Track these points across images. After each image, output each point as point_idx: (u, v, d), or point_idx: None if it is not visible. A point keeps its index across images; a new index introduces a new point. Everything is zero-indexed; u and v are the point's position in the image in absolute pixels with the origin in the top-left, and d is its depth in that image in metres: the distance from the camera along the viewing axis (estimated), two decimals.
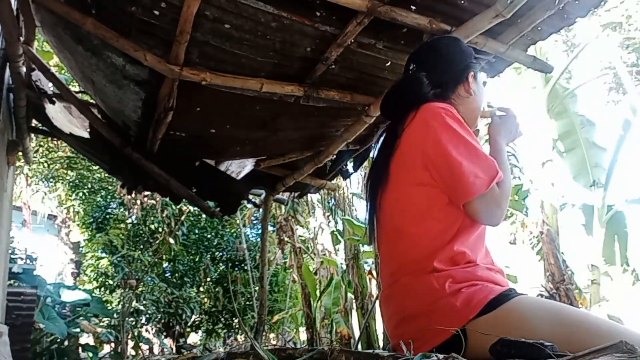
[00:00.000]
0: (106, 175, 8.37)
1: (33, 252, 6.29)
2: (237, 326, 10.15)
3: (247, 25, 1.91)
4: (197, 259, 10.17)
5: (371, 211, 1.37)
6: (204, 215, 9.09)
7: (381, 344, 5.58)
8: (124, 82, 2.27)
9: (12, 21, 2.07)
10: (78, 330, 5.64)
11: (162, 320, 9.16)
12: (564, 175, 8.05)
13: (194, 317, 9.89)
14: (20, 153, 3.24)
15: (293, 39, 2.03)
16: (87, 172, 9.34)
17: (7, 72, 2.54)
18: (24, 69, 2.49)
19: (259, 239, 9.48)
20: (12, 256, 5.63)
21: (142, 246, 9.35)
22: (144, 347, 8.22)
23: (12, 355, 1.96)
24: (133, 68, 2.13)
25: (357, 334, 6.54)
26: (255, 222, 9.64)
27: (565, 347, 0.89)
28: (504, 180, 1.20)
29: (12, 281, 4.99)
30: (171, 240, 8.68)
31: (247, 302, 9.61)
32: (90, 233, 9.63)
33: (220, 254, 10.53)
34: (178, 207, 8.67)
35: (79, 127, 3.00)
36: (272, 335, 10.05)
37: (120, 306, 8.65)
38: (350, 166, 3.62)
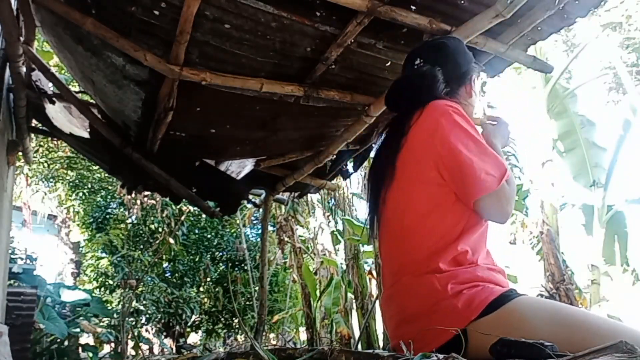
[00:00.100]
0: (106, 175, 8.37)
1: (33, 252, 6.29)
2: (237, 326, 10.15)
3: (247, 25, 1.91)
4: (197, 259, 10.17)
5: (373, 208, 1.36)
6: (204, 215, 9.10)
7: (381, 344, 5.57)
8: (124, 82, 2.27)
9: (12, 21, 2.07)
10: (78, 330, 5.64)
11: (162, 320, 9.16)
12: (564, 175, 8.06)
13: (194, 317, 9.90)
14: (20, 153, 3.24)
15: (293, 39, 2.03)
16: (87, 172, 9.34)
17: (7, 72, 2.54)
18: (24, 69, 2.49)
19: (259, 239, 9.48)
20: (12, 256, 5.63)
21: (142, 246, 9.35)
22: (144, 347, 8.21)
23: (12, 355, 1.96)
24: (133, 68, 2.13)
25: (357, 334, 6.53)
26: (255, 222, 9.64)
27: (566, 347, 0.89)
28: (510, 178, 1.21)
29: (12, 281, 4.99)
30: (171, 240, 8.68)
31: (247, 302, 9.61)
32: (90, 233, 9.63)
33: (220, 254, 10.53)
34: (178, 207, 8.67)
35: (79, 127, 3.00)
36: (272, 335, 10.05)
37: (120, 306, 8.65)
38: (350, 166, 3.62)
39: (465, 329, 1.07)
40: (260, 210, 4.42)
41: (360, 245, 6.28)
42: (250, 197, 4.05)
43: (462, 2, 1.89)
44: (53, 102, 2.82)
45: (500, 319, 1.05)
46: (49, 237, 11.19)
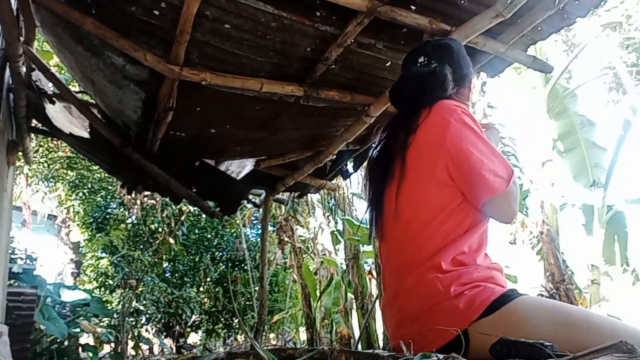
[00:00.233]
0: (106, 175, 8.37)
1: (33, 252, 6.29)
2: (237, 326, 10.15)
3: (247, 25, 1.91)
4: (197, 259, 10.17)
5: (375, 206, 1.35)
6: (204, 215, 9.10)
7: (381, 344, 5.57)
8: (124, 82, 2.27)
9: (12, 21, 2.07)
10: (78, 330, 5.64)
11: (162, 320, 9.16)
12: (564, 175, 8.05)
13: (194, 317, 9.90)
14: (20, 153, 3.23)
15: (293, 39, 2.03)
16: (87, 172, 9.34)
17: (7, 72, 2.54)
18: (24, 69, 2.49)
19: (259, 239, 9.48)
20: (12, 256, 5.63)
21: (142, 246, 9.35)
22: (144, 347, 8.21)
23: (12, 355, 1.96)
24: (133, 68, 2.13)
25: (357, 334, 6.53)
26: (255, 222, 9.65)
27: (568, 347, 0.89)
28: (516, 179, 1.21)
29: (12, 281, 4.99)
30: (171, 240, 8.68)
31: (247, 302, 9.61)
32: (90, 233, 9.63)
33: (220, 254, 10.53)
34: (178, 207, 8.67)
35: (79, 127, 3.00)
36: (272, 335, 10.05)
37: (120, 306, 8.65)
38: (350, 166, 3.62)
39: (466, 330, 1.07)
40: (260, 210, 4.42)
41: (360, 245, 6.28)
42: (250, 197, 4.05)
43: (462, 2, 1.89)
44: (53, 102, 2.82)
45: (501, 319, 1.05)
46: (49, 237, 11.18)
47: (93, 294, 6.93)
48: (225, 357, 1.30)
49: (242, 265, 10.06)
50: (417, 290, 1.18)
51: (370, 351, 1.17)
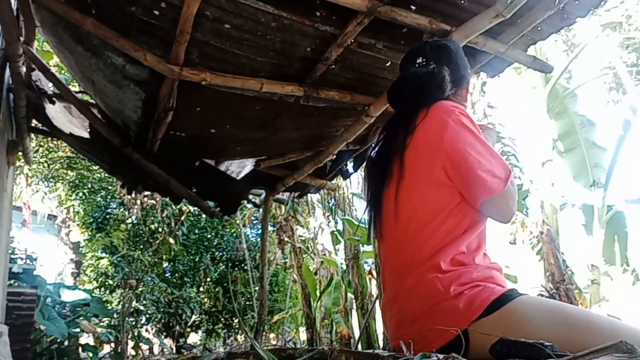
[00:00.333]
0: (106, 175, 8.37)
1: (33, 252, 6.29)
2: (237, 326, 10.15)
3: (247, 25, 1.91)
4: (197, 259, 10.17)
5: (374, 207, 1.35)
6: (204, 215, 9.10)
7: (381, 344, 5.57)
8: (124, 82, 2.27)
9: (12, 21, 2.07)
10: (78, 330, 5.64)
11: (162, 320, 9.16)
12: (564, 175, 8.05)
13: (194, 317, 9.90)
14: (20, 153, 3.23)
15: (293, 39, 2.03)
16: (87, 172, 9.34)
17: (7, 72, 2.54)
18: (24, 69, 2.49)
19: (259, 239, 9.48)
20: (12, 256, 5.63)
21: (142, 246, 9.35)
22: (144, 347, 8.22)
23: (12, 355, 1.96)
24: (133, 68, 2.13)
25: (357, 334, 6.53)
26: (255, 222, 9.65)
27: (568, 347, 0.89)
28: (513, 178, 1.22)
29: (12, 281, 4.99)
30: (171, 240, 8.68)
31: (247, 302, 9.61)
32: (90, 233, 9.63)
33: (220, 254, 10.53)
34: (178, 207, 8.67)
35: (79, 127, 3.00)
36: (272, 335, 10.05)
37: (120, 306, 8.65)
38: (350, 166, 3.62)
39: (466, 330, 1.07)
40: (260, 210, 4.42)
41: (360, 245, 6.28)
42: (250, 197, 4.05)
43: (462, 2, 1.89)
44: (53, 102, 2.82)
45: (501, 319, 1.05)
46: (49, 237, 11.19)
47: (93, 294, 6.93)
48: (225, 357, 1.30)
49: (242, 265, 10.06)
50: (417, 290, 1.18)
51: (370, 351, 1.17)
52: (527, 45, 2.23)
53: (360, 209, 7.90)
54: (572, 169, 8.03)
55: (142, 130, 2.72)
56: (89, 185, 9.62)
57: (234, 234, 10.51)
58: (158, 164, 2.92)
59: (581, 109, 7.91)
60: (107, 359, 6.45)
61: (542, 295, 5.65)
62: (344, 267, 6.66)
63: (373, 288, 6.13)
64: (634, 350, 0.65)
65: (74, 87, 4.85)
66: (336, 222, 7.73)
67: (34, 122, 3.13)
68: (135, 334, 7.98)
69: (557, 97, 7.55)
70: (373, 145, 1.45)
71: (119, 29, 1.92)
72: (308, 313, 6.76)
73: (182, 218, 8.92)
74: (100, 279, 9.38)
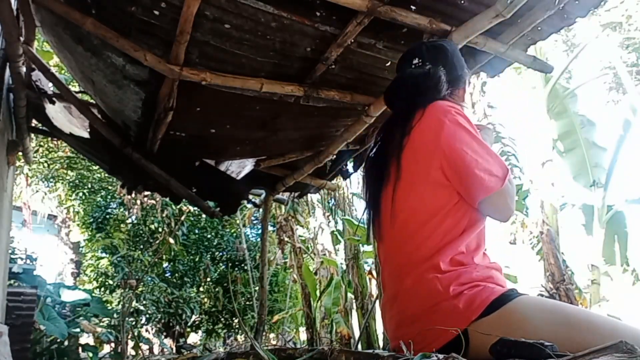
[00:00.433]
0: (106, 175, 8.37)
1: (33, 252, 6.30)
2: (237, 326, 10.15)
3: (247, 25, 1.91)
4: (197, 259, 10.17)
5: (372, 208, 1.35)
6: (204, 215, 9.10)
7: (381, 344, 5.57)
8: (124, 82, 2.27)
9: (12, 21, 2.07)
10: (78, 330, 5.64)
11: (162, 320, 9.16)
12: (564, 175, 8.05)
13: (194, 317, 9.90)
14: (20, 153, 3.24)
15: (293, 39, 2.03)
16: (87, 172, 9.34)
17: (7, 72, 2.54)
18: (24, 69, 2.49)
19: (259, 239, 9.48)
20: (12, 256, 5.63)
21: (142, 246, 9.35)
22: (144, 347, 8.22)
23: (12, 355, 1.96)
24: (133, 68, 2.13)
25: (357, 334, 6.54)
26: (255, 222, 9.65)
27: (568, 347, 0.89)
28: (511, 177, 1.22)
29: (12, 281, 4.99)
30: (171, 240, 8.68)
31: (247, 302, 9.61)
32: (90, 233, 9.63)
33: (220, 254, 10.53)
34: (178, 207, 8.67)
35: (79, 127, 3.00)
36: (272, 335, 10.05)
37: (120, 306, 8.65)
38: (350, 166, 3.62)
39: (466, 330, 1.07)
40: (260, 210, 4.42)
41: (360, 245, 6.28)
42: (250, 197, 4.05)
43: (462, 2, 1.89)
44: (53, 102, 2.82)
45: (501, 319, 1.05)
46: (49, 237, 11.19)
47: (93, 294, 6.93)
48: (225, 357, 1.30)
49: (242, 265, 10.06)
50: (417, 290, 1.18)
51: (370, 351, 1.17)
52: (527, 45, 2.23)
53: (360, 209, 7.90)
54: (572, 169, 8.03)
55: (142, 130, 2.72)
56: (89, 185, 9.62)
57: (234, 234, 10.51)
58: (158, 164, 2.92)
59: (581, 109, 7.91)
60: (107, 359, 6.45)
61: (542, 295, 5.65)
62: (344, 267, 6.67)
63: (373, 288, 6.13)
64: (634, 350, 0.65)
65: (74, 87, 4.85)
66: (336, 222, 7.73)
67: (34, 122, 3.13)
68: (135, 334, 7.98)
69: (557, 97, 7.55)
70: (371, 146, 1.46)
71: (119, 29, 1.92)
72: (308, 313, 6.76)
73: (182, 218, 8.92)
74: (100, 279, 9.38)
